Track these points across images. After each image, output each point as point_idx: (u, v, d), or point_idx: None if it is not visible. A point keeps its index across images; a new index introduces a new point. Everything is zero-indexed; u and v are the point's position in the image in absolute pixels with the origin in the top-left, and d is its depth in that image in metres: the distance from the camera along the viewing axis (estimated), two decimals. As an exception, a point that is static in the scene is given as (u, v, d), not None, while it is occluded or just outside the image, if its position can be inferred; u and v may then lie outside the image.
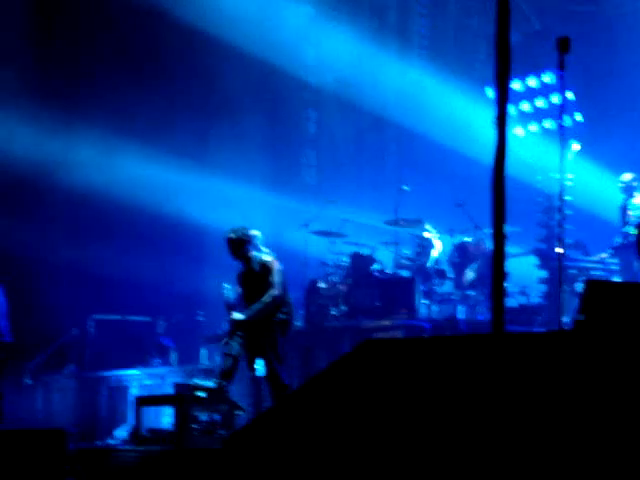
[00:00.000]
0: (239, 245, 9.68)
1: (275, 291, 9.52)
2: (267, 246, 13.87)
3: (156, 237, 17.30)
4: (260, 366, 9.60)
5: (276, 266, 9.69)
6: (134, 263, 17.07)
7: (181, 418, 9.25)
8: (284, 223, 16.24)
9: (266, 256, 9.82)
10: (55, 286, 17.20)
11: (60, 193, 17.40)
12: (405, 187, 13.94)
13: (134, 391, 14.11)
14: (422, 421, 4.55)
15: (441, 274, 13.33)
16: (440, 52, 17.78)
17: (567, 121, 11.53)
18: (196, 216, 16.86)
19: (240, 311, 9.67)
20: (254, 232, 13.92)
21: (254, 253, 9.77)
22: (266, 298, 9.49)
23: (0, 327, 11.15)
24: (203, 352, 14.95)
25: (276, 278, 9.59)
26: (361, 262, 13.40)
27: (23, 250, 16.83)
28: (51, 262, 17.44)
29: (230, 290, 9.85)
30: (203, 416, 9.53)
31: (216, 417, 9.68)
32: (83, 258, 17.24)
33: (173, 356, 15.94)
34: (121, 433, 13.05)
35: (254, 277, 9.67)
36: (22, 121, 16.67)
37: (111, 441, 13.01)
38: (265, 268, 9.61)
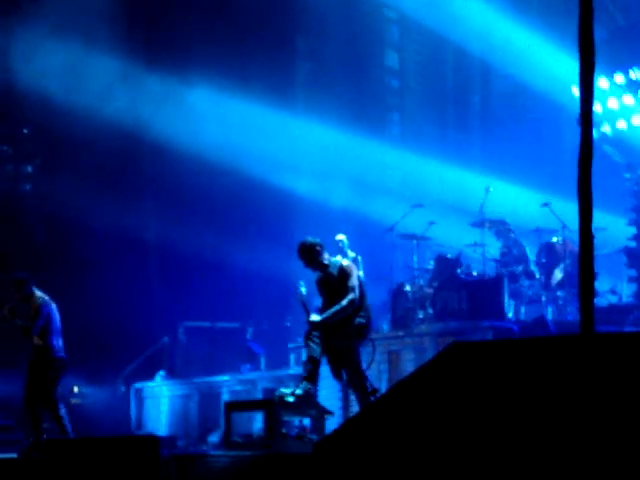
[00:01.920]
0: (310, 254, 9.76)
1: (352, 295, 9.55)
2: (353, 250, 13.90)
3: (245, 244, 17.44)
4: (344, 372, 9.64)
5: (354, 271, 9.73)
6: (223, 271, 17.27)
7: (271, 423, 9.30)
8: (370, 227, 16.24)
9: (344, 261, 9.87)
10: (147, 294, 17.49)
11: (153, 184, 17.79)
12: (490, 188, 13.83)
13: (225, 397, 14.26)
14: (512, 424, 4.52)
15: (529, 275, 13.19)
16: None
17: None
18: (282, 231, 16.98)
19: (317, 314, 9.73)
20: (340, 236, 13.98)
21: (331, 259, 9.83)
22: (344, 301, 9.52)
23: (55, 344, 11.35)
24: (292, 357, 15.03)
25: (354, 282, 9.62)
26: (447, 264, 13.32)
27: (112, 256, 17.16)
28: (142, 269, 17.75)
29: (304, 288, 9.90)
30: (293, 421, 9.58)
31: (306, 422, 9.72)
32: (173, 265, 17.51)
33: (262, 362, 16.05)
34: (213, 439, 13.19)
35: (333, 282, 9.71)
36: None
37: (204, 447, 13.15)
38: (343, 272, 9.65)
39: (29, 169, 18.28)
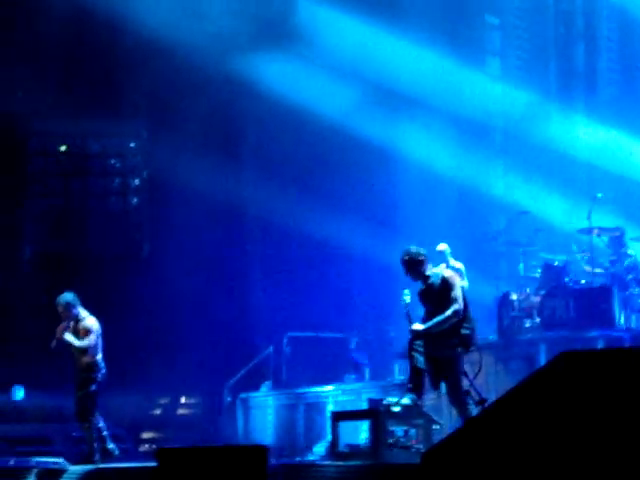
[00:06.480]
0: (413, 266, 9.73)
1: (457, 305, 9.51)
2: (457, 259, 13.83)
3: (348, 254, 17.45)
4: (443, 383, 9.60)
5: (457, 281, 9.68)
6: (325, 280, 17.31)
7: (377, 433, 9.29)
8: (475, 235, 16.10)
9: (447, 271, 9.81)
10: (251, 304, 17.64)
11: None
12: (599, 194, 13.61)
13: (330, 407, 14.28)
14: (625, 434, 4.43)
15: (639, 283, 12.92)
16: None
17: None
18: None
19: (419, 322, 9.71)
20: (442, 246, 13.89)
21: (433, 270, 9.79)
22: (448, 312, 9.48)
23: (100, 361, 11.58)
24: (396, 367, 14.98)
25: (457, 292, 9.58)
26: (554, 272, 13.15)
27: (217, 265, 17.38)
28: (247, 280, 17.91)
29: (409, 297, 9.86)
30: (399, 431, 9.55)
31: (412, 431, 9.68)
32: (278, 275, 17.63)
33: (366, 372, 16.04)
34: (319, 449, 13.22)
35: (435, 293, 9.68)
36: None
37: (310, 457, 13.19)
38: (446, 283, 9.62)
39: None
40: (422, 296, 9.85)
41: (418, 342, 9.51)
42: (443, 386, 9.65)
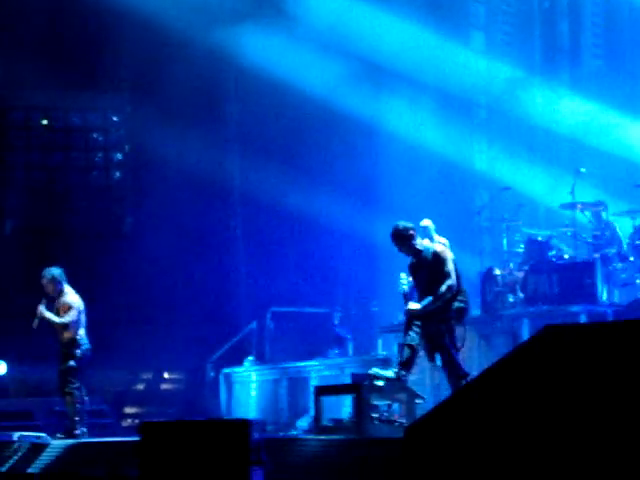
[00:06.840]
0: (403, 241, 9.76)
1: (450, 280, 9.56)
2: (440, 234, 13.83)
3: (330, 230, 17.44)
4: (438, 356, 9.62)
5: (448, 255, 9.71)
6: (308, 255, 17.30)
7: (360, 407, 9.30)
8: (457, 211, 16.11)
9: (438, 246, 9.84)
10: (234, 280, 17.62)
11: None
12: (582, 169, 13.62)
13: (313, 382, 14.30)
14: (608, 408, 4.44)
15: (623, 257, 12.97)
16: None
17: None
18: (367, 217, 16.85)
19: (414, 301, 9.71)
20: (426, 222, 13.88)
21: (424, 244, 9.81)
22: (442, 288, 9.52)
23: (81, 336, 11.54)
24: (380, 342, 15.01)
25: (450, 267, 9.61)
26: (537, 247, 13.17)
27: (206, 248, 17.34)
28: (230, 255, 17.88)
29: (406, 280, 9.91)
30: (383, 405, 9.57)
31: (395, 406, 9.71)
32: (261, 250, 17.60)
33: (350, 347, 16.07)
34: (303, 423, 13.25)
35: (426, 267, 9.70)
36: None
37: (293, 431, 13.22)
38: (437, 258, 9.65)
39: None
40: (413, 270, 9.89)
41: (417, 322, 9.55)
42: (438, 359, 9.69)
